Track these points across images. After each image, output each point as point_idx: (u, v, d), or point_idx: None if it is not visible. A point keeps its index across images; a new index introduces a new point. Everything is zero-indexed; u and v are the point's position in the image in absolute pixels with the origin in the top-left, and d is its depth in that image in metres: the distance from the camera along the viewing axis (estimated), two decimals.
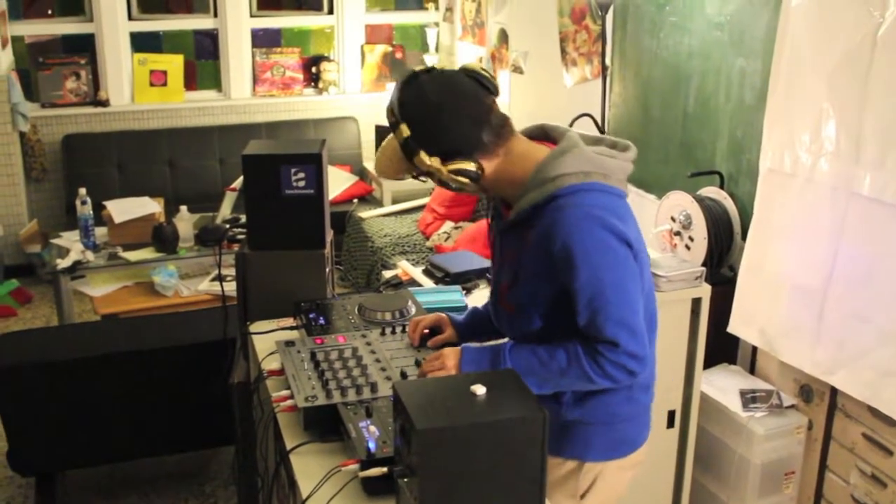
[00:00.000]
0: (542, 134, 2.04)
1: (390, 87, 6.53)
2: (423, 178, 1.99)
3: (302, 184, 2.63)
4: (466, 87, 1.92)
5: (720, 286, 3.31)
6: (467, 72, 1.95)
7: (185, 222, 4.59)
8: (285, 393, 2.03)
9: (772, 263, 3.19)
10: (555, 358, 1.90)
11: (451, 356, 1.99)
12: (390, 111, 1.92)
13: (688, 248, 3.58)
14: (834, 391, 3.07)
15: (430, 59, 6.61)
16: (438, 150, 1.89)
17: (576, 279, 1.85)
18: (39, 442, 3.40)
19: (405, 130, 1.89)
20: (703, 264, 3.40)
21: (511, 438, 1.51)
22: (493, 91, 1.94)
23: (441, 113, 1.88)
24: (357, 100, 6.71)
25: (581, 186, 1.88)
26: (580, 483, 2.11)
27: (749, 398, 3.21)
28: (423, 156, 1.89)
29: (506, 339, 2.07)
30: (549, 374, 1.91)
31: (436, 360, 2.01)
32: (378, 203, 6.16)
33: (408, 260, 4.66)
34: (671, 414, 3.08)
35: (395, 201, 6.05)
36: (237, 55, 6.49)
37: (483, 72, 1.95)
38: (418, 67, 1.98)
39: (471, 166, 1.90)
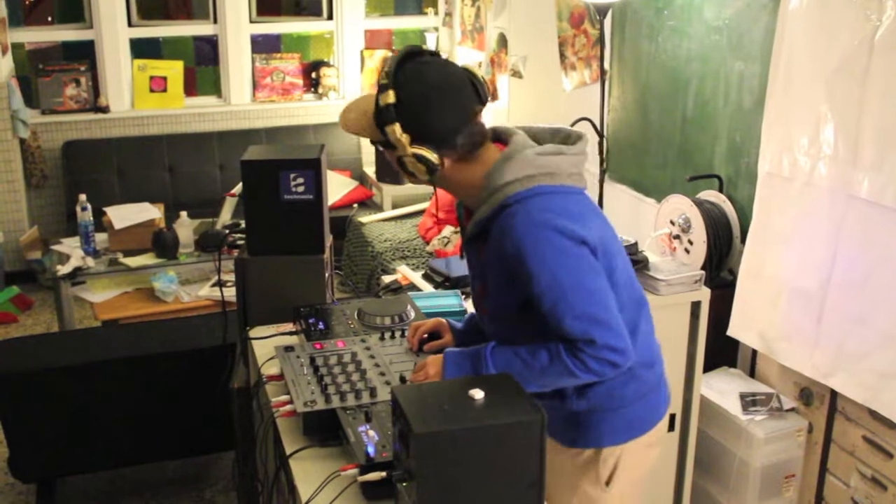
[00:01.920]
0: (494, 136, 2.04)
1: None
2: (379, 147, 1.99)
3: (301, 189, 2.63)
4: (463, 87, 1.93)
5: (720, 289, 3.31)
6: (467, 72, 1.96)
7: (186, 228, 4.59)
8: (285, 398, 2.03)
9: (771, 267, 3.20)
10: (536, 357, 1.90)
11: (433, 364, 2.00)
12: (385, 73, 1.92)
13: (687, 251, 3.58)
14: (834, 394, 3.07)
15: None
16: (412, 129, 1.89)
17: (535, 286, 1.86)
18: (40, 448, 3.40)
19: (391, 97, 1.89)
20: (703, 268, 3.40)
21: (509, 442, 1.51)
22: (482, 100, 1.95)
23: (432, 97, 1.89)
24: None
25: (526, 193, 1.89)
26: (601, 470, 2.11)
27: (749, 401, 3.21)
28: (397, 127, 1.89)
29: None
30: (531, 374, 1.91)
31: (420, 371, 2.02)
32: (378, 208, 6.17)
33: (408, 265, 4.66)
34: (671, 417, 3.08)
35: (395, 206, 6.05)
36: (237, 61, 6.50)
37: (481, 79, 1.97)
38: (425, 46, 1.99)
39: (433, 157, 1.91)
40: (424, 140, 1.91)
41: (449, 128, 1.91)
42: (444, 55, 2.01)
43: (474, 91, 1.94)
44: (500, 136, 2.03)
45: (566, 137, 2.02)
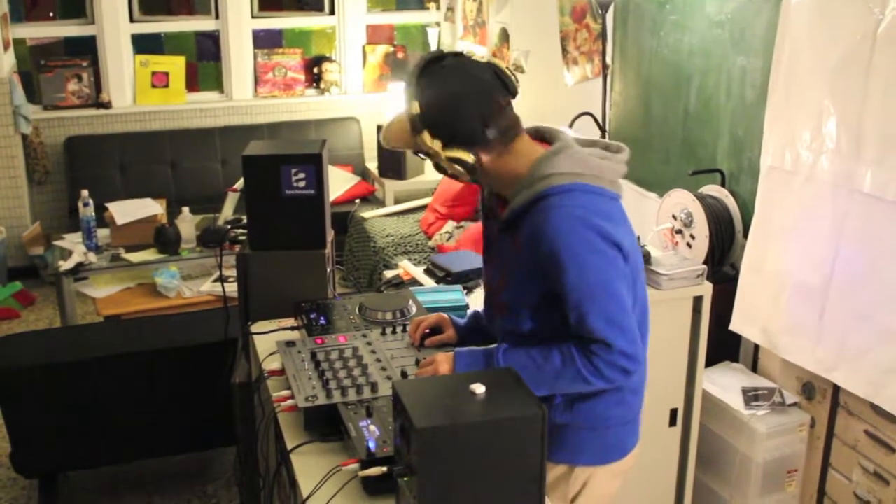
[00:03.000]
0: (537, 135, 2.06)
1: (392, 88, 6.53)
2: (422, 156, 2.01)
3: (302, 184, 2.63)
4: (485, 83, 1.94)
5: (722, 284, 3.31)
6: (493, 67, 1.96)
7: (187, 223, 4.59)
8: (286, 393, 2.03)
9: (773, 261, 3.19)
10: (549, 360, 1.91)
11: (444, 362, 2.00)
12: (410, 84, 1.95)
13: (689, 246, 3.57)
14: (836, 388, 3.07)
15: None
16: (442, 134, 1.92)
17: (564, 280, 1.86)
18: (42, 443, 3.40)
19: (416, 107, 1.92)
20: (705, 262, 3.40)
21: (510, 437, 1.51)
22: (511, 92, 1.97)
23: (453, 102, 1.91)
24: (359, 100, 6.71)
25: (570, 186, 1.90)
26: (570, 487, 2.11)
27: (751, 396, 3.21)
28: (427, 135, 1.92)
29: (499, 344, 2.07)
30: (543, 376, 1.91)
31: (429, 366, 2.01)
32: (380, 203, 6.16)
33: (410, 260, 4.66)
34: (673, 412, 3.07)
35: (397, 201, 6.05)
36: (239, 56, 6.49)
37: (507, 71, 1.97)
38: (447, 50, 2.00)
39: (468, 157, 1.93)
40: (455, 142, 1.92)
41: (474, 128, 1.92)
42: (469, 52, 2.01)
43: (501, 83, 1.95)
44: (544, 135, 2.05)
45: (606, 147, 2.04)
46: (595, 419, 2.06)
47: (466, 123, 1.91)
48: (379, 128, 6.48)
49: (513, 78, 1.97)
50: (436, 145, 1.92)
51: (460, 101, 1.91)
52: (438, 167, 1.99)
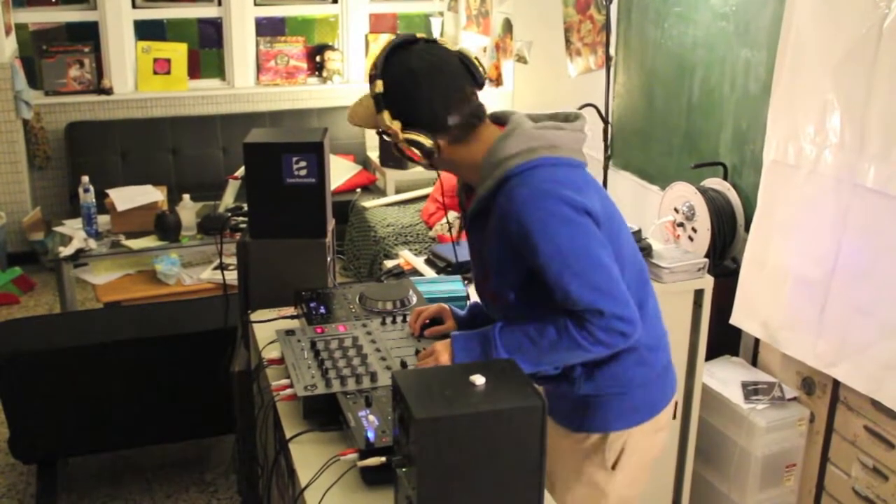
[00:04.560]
0: (494, 120, 2.05)
1: None
2: (386, 137, 2.01)
3: (303, 172, 2.62)
4: (451, 70, 1.94)
5: (723, 278, 3.30)
6: (461, 56, 1.97)
7: (188, 211, 4.58)
8: (285, 382, 2.03)
9: (775, 255, 3.18)
10: (544, 334, 1.90)
11: (443, 351, 1.99)
12: (373, 64, 1.95)
13: (691, 239, 3.57)
14: (836, 384, 3.07)
15: None
16: (402, 115, 1.92)
17: (539, 256, 1.85)
18: (41, 429, 3.40)
19: (379, 86, 1.92)
20: (706, 256, 3.39)
21: (510, 428, 1.50)
22: (478, 82, 1.97)
23: (416, 84, 1.91)
24: (361, 89, 6.68)
25: (528, 164, 1.89)
26: (608, 454, 2.11)
27: (751, 390, 3.20)
28: (386, 115, 1.93)
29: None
30: (540, 351, 1.90)
31: (429, 357, 2.01)
32: (381, 193, 6.15)
33: (410, 250, 4.65)
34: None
35: (398, 191, 6.03)
36: (241, 44, 6.48)
37: (476, 62, 1.97)
38: (419, 34, 2.00)
39: (427, 141, 1.93)
40: (415, 125, 1.93)
41: (437, 111, 1.92)
42: (442, 39, 2.01)
43: (467, 72, 1.95)
44: (499, 119, 2.04)
45: (565, 118, 2.03)
46: (618, 384, 2.06)
47: (427, 107, 1.91)
48: None
49: (481, 69, 1.98)
50: (395, 125, 1.93)
51: (423, 84, 1.91)
52: (397, 149, 1.99)
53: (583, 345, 1.87)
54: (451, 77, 1.93)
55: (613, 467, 2.13)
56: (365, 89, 2.04)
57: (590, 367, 2.02)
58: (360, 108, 2.03)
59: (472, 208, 1.99)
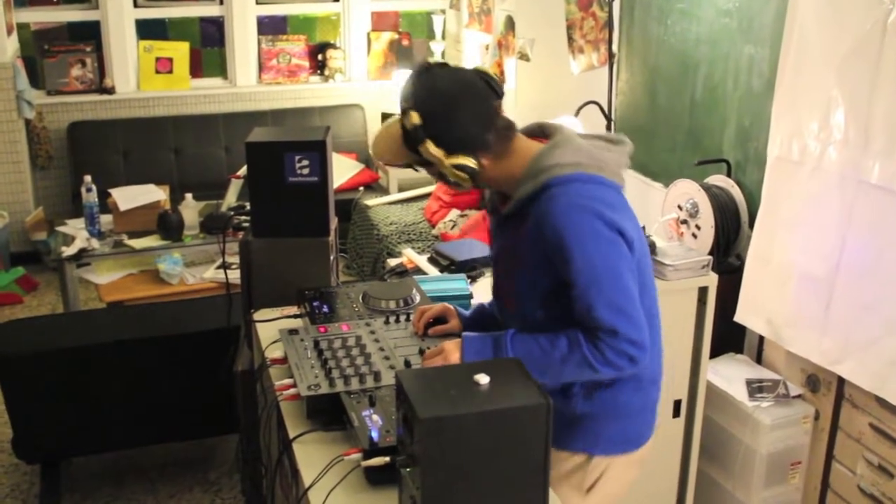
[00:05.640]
0: (539, 131, 2.08)
1: (396, 75, 6.51)
2: (418, 168, 2.01)
3: (306, 171, 2.61)
4: (478, 87, 1.96)
5: (727, 275, 3.29)
6: (479, 73, 1.99)
7: (191, 210, 4.58)
8: (288, 381, 2.02)
9: (779, 252, 3.17)
10: (556, 346, 1.90)
11: (453, 350, 1.99)
12: (404, 98, 1.95)
13: (694, 236, 3.56)
14: (841, 381, 3.06)
15: (437, 47, 6.59)
16: (445, 142, 1.92)
17: (570, 268, 1.87)
18: (44, 429, 3.40)
19: (416, 118, 1.91)
20: (710, 253, 3.38)
21: (514, 427, 1.50)
22: (499, 94, 1.98)
23: (454, 107, 1.92)
24: (363, 87, 6.69)
25: (573, 176, 1.91)
26: (587, 477, 2.11)
27: (755, 388, 3.19)
28: (430, 145, 1.92)
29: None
30: (550, 362, 1.91)
31: (437, 355, 2.00)
32: (384, 191, 6.15)
33: (413, 248, 4.65)
34: (677, 403, 3.06)
35: (401, 189, 6.03)
36: (243, 42, 6.47)
37: (493, 75, 2.00)
38: (432, 60, 2.03)
39: (471, 162, 1.94)
40: (458, 149, 1.93)
41: (476, 131, 1.93)
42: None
43: (489, 87, 1.97)
44: (545, 130, 2.06)
45: (609, 139, 2.06)
46: (615, 408, 2.06)
47: (468, 129, 1.92)
48: (384, 115, 6.47)
49: (497, 80, 2.00)
50: (439, 153, 1.92)
51: (460, 107, 1.92)
52: (441, 176, 1.99)
53: (591, 362, 1.89)
54: (482, 95, 1.95)
55: (588, 491, 2.13)
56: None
57: (589, 386, 2.03)
58: (386, 142, 2.02)
59: (508, 210, 2.00)
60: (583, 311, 1.88)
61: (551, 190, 1.90)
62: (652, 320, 2.05)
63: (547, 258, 1.91)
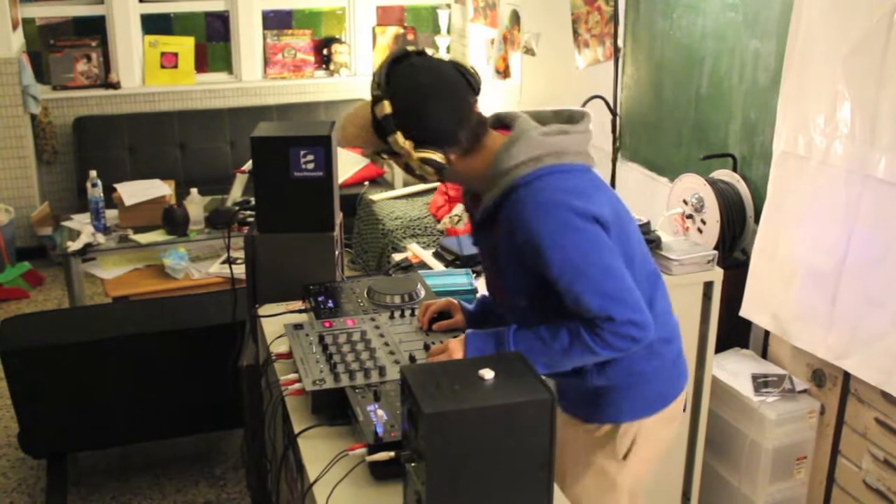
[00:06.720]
0: (498, 122, 2.04)
1: None
2: (383, 157, 1.99)
3: (311, 166, 2.61)
4: (454, 82, 1.92)
5: (732, 270, 3.29)
6: (456, 66, 1.95)
7: (196, 205, 4.58)
8: (293, 376, 2.02)
9: (785, 247, 3.17)
10: (557, 338, 1.90)
11: (457, 348, 1.99)
12: (376, 84, 1.92)
13: (700, 231, 3.55)
14: (847, 376, 3.05)
15: (442, 41, 6.57)
16: (414, 135, 1.89)
17: (550, 266, 1.85)
18: (50, 424, 3.41)
19: (387, 108, 1.88)
20: (716, 248, 3.38)
21: (519, 422, 1.49)
22: (475, 91, 1.95)
23: (427, 101, 1.88)
24: (368, 82, 6.65)
25: (534, 174, 1.88)
26: (619, 444, 2.12)
27: (761, 382, 3.19)
28: (399, 136, 1.89)
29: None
30: (553, 354, 1.91)
31: (442, 353, 2.00)
32: (389, 186, 6.14)
33: (418, 243, 4.64)
34: None
35: (406, 184, 6.03)
36: (248, 37, 6.47)
37: (471, 70, 1.96)
38: (410, 48, 1.97)
39: (439, 157, 1.92)
40: (428, 143, 1.90)
41: (449, 127, 1.90)
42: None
43: (466, 83, 1.93)
44: (504, 121, 2.03)
45: (570, 117, 2.01)
46: (630, 377, 2.06)
47: (440, 125, 1.89)
48: None
49: (475, 76, 1.96)
50: (407, 145, 1.89)
51: (433, 101, 1.88)
52: (407, 168, 1.96)
53: (594, 349, 1.88)
54: (456, 89, 1.91)
55: (625, 457, 2.13)
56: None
57: (600, 363, 2.02)
58: (353, 128, 1.98)
59: (479, 217, 1.99)
60: (573, 305, 1.87)
61: (516, 193, 1.88)
62: (651, 278, 2.04)
63: (524, 259, 1.90)
